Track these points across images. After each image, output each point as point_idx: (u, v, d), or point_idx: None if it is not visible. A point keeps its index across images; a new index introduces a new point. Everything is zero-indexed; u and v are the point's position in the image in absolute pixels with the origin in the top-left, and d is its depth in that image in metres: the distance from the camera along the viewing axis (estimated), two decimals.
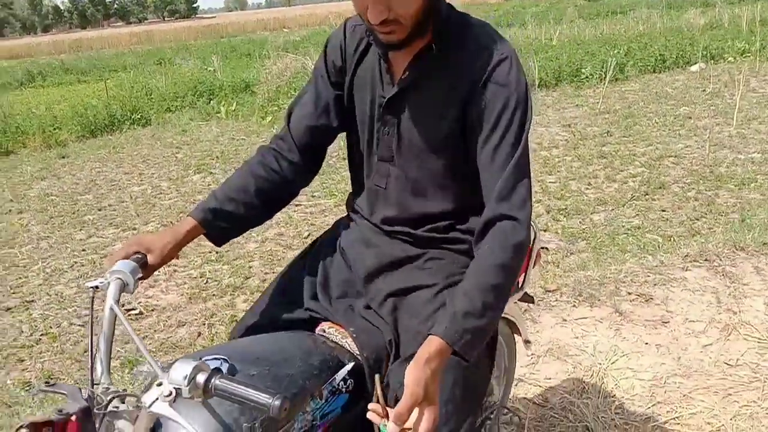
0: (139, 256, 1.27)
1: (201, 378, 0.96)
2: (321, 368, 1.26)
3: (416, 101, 1.31)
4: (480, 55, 1.24)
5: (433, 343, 1.11)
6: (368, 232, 1.47)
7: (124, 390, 1.08)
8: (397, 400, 1.20)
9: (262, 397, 0.92)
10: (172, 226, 1.36)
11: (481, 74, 1.23)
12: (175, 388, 0.96)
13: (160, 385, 0.97)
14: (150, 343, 3.06)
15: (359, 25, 1.38)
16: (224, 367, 1.16)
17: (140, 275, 1.25)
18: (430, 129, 1.30)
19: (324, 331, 1.43)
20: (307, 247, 1.62)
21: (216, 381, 0.96)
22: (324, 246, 1.54)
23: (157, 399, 0.97)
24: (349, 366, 1.29)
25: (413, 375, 1.07)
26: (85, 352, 3.02)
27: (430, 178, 1.35)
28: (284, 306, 1.48)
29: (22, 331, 3.26)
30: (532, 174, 1.27)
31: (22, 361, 2.98)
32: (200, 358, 1.04)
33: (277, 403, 0.92)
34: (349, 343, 1.37)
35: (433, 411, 1.07)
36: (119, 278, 1.21)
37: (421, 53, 1.28)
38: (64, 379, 2.78)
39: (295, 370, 1.22)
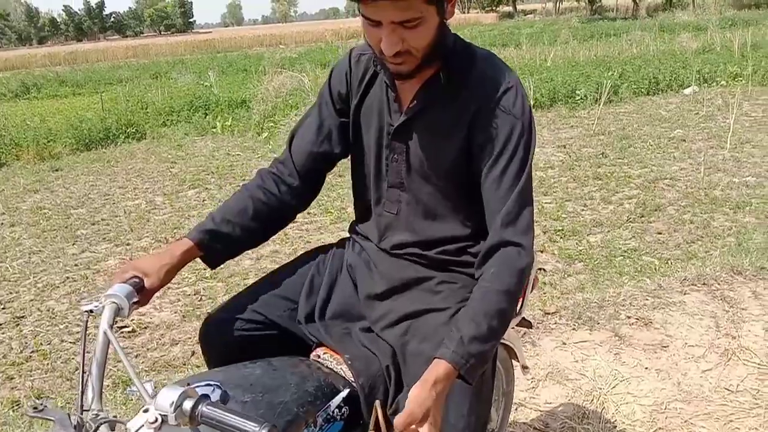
0: (137, 280, 1.26)
1: (188, 405, 0.94)
2: (316, 395, 1.24)
3: (424, 128, 1.32)
4: (486, 83, 1.27)
5: (440, 367, 1.13)
6: (376, 257, 1.46)
7: (115, 417, 1.06)
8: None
9: (249, 426, 0.91)
10: (168, 247, 1.34)
11: (488, 102, 1.26)
12: (161, 414, 0.94)
13: (146, 411, 0.95)
14: (143, 362, 3.01)
15: (364, 55, 1.40)
16: (216, 393, 1.14)
17: (136, 299, 1.23)
18: (438, 155, 1.32)
19: (319, 357, 1.42)
20: (305, 253, 1.58)
21: (203, 408, 0.94)
22: (330, 259, 1.52)
23: (143, 426, 0.94)
24: (345, 393, 1.27)
25: (417, 395, 1.08)
26: (77, 370, 2.96)
27: (441, 202, 1.36)
28: (277, 308, 1.45)
29: (12, 348, 3.20)
30: (534, 200, 1.29)
31: (12, 378, 2.92)
32: (190, 384, 1.03)
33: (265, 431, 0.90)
34: (344, 370, 1.35)
35: None
36: (114, 302, 1.20)
37: (428, 82, 1.30)
38: (53, 398, 2.72)
39: (289, 397, 1.20)
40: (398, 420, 1.06)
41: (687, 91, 9.54)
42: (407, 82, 1.30)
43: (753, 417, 2.28)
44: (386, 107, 1.35)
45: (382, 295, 1.41)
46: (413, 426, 1.06)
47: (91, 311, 1.19)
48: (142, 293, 1.26)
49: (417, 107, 1.31)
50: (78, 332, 3.32)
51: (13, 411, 2.62)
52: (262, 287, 1.48)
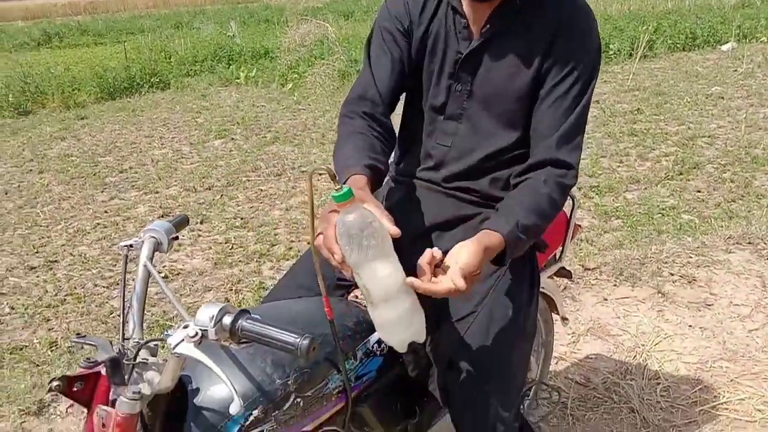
0: (181, 217, 1.26)
1: (227, 320, 0.92)
2: (355, 330, 1.25)
3: (495, 54, 1.28)
4: (558, 6, 1.24)
5: (493, 237, 1.13)
6: (419, 192, 1.43)
7: (161, 334, 1.04)
8: (450, 362, 1.17)
9: (290, 337, 0.89)
10: (350, 184, 1.12)
11: (564, 27, 1.23)
12: (201, 329, 0.91)
13: (186, 327, 0.93)
14: (175, 309, 3.01)
15: None
16: None
17: (174, 234, 1.22)
18: (507, 83, 1.28)
19: (357, 297, 1.41)
20: None
21: (243, 322, 0.92)
22: None
23: (183, 340, 0.92)
24: None
25: (474, 252, 1.07)
26: (111, 314, 2.97)
27: (499, 131, 1.32)
28: (314, 274, 1.43)
29: (47, 291, 3.22)
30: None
31: (48, 320, 2.95)
32: None
33: (305, 342, 0.88)
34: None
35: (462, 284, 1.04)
36: (153, 237, 1.20)
37: (502, 5, 1.25)
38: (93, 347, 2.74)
39: (329, 331, 1.17)
40: (453, 271, 1.04)
41: (725, 47, 9.17)
42: (479, 7, 1.24)
43: None
44: (454, 35, 1.30)
45: (422, 235, 1.37)
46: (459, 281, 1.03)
47: (131, 246, 1.19)
48: (181, 227, 1.25)
49: (490, 31, 1.26)
50: (111, 277, 3.33)
51: (52, 351, 2.65)
52: (303, 260, 1.49)
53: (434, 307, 1.29)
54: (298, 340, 0.88)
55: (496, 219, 1.17)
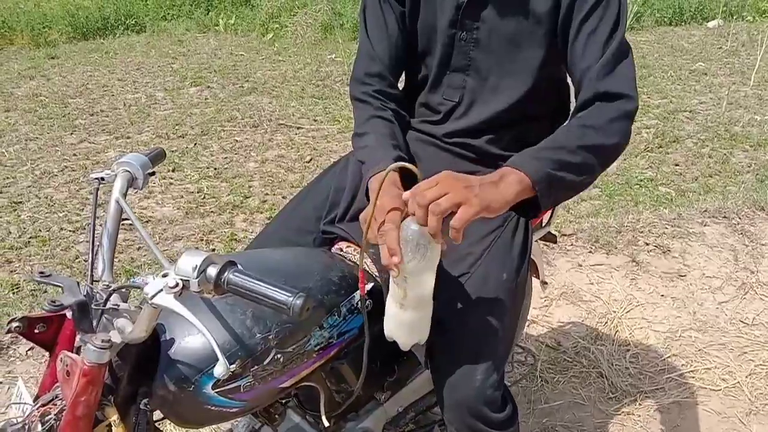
0: (157, 150, 1.19)
1: (212, 271, 0.84)
2: (340, 284, 1.18)
3: None
4: None
5: (507, 171, 1.03)
6: (415, 145, 1.37)
7: (127, 281, 0.98)
8: (438, 322, 1.15)
9: (282, 295, 0.81)
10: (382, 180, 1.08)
11: None
12: (182, 279, 0.83)
13: (165, 276, 0.85)
14: (145, 254, 2.93)
15: None
16: None
17: (151, 170, 1.14)
18: (517, 23, 1.18)
19: (341, 250, 1.35)
20: (333, 163, 1.51)
21: (230, 275, 0.84)
22: (352, 162, 1.42)
23: (161, 291, 0.84)
24: (368, 286, 1.20)
25: (449, 175, 0.97)
26: (77, 258, 2.89)
27: (510, 82, 1.24)
28: (298, 227, 1.40)
29: (10, 232, 3.11)
30: (632, 54, 1.16)
31: (11, 262, 2.85)
32: None
33: (299, 302, 0.80)
34: (369, 264, 1.27)
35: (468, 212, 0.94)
36: (127, 170, 1.11)
37: None
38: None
39: (313, 284, 1.14)
40: (411, 191, 0.97)
41: (711, 24, 9.15)
42: None
43: None
44: None
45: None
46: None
47: (102, 179, 1.11)
48: (156, 164, 1.17)
49: None
50: (78, 221, 3.22)
51: (14, 293, 2.56)
52: (289, 211, 1.43)
53: None
54: (291, 298, 0.81)
55: (520, 156, 1.06)
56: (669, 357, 2.21)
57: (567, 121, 1.18)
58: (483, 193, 0.96)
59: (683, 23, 9.31)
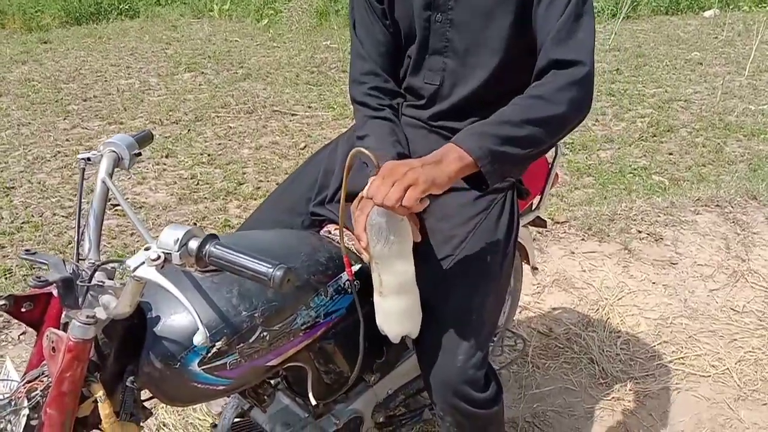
0: (144, 132, 1.20)
1: (194, 243, 0.84)
2: (327, 265, 1.20)
3: None
4: None
5: (448, 149, 1.06)
6: (407, 131, 1.36)
7: (111, 258, 0.97)
8: (423, 303, 1.16)
9: (262, 266, 0.82)
10: None
11: None
12: (164, 252, 0.84)
13: (148, 249, 0.86)
14: (137, 241, 2.93)
15: None
16: None
17: (137, 150, 1.15)
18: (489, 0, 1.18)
19: (330, 232, 1.37)
20: (322, 146, 1.51)
21: (211, 247, 0.84)
22: (341, 144, 1.42)
23: (143, 263, 0.85)
24: (356, 267, 1.21)
25: (397, 163, 1.03)
26: (69, 243, 2.87)
27: (485, 59, 1.24)
28: (289, 209, 1.41)
29: (2, 218, 3.09)
30: (593, 18, 1.15)
31: (3, 247, 2.83)
32: None
33: (279, 273, 0.81)
34: (356, 246, 1.28)
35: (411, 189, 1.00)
36: (113, 151, 1.12)
37: None
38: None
39: (300, 264, 1.16)
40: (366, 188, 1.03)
41: (707, 13, 9.13)
42: None
43: (757, 337, 2.27)
44: None
45: None
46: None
47: (89, 159, 1.11)
48: (144, 145, 1.18)
49: None
50: (70, 206, 3.21)
51: (6, 279, 2.55)
52: (279, 192, 1.46)
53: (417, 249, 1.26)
54: (271, 270, 0.81)
55: (465, 132, 1.09)
56: (659, 344, 2.22)
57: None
58: (426, 173, 1.00)
59: (679, 12, 9.29)
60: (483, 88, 1.25)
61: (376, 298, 1.15)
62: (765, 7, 9.49)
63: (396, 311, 1.14)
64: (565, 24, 1.10)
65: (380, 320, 1.17)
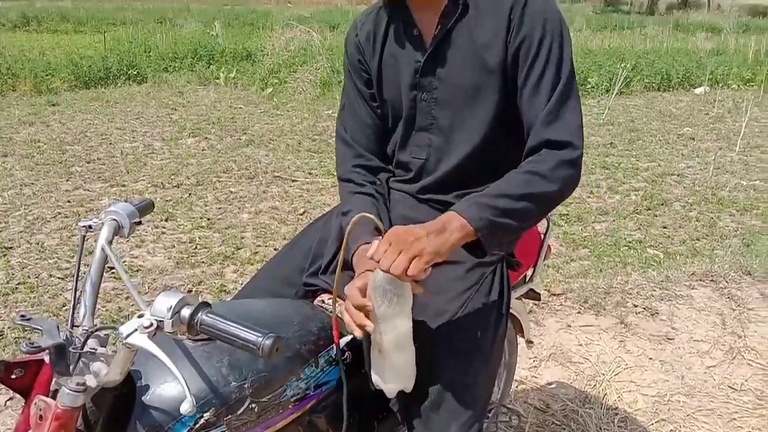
0: (146, 201, 1.22)
1: (186, 312, 0.85)
2: (319, 335, 1.20)
3: (454, 52, 1.25)
4: None
5: (450, 217, 1.10)
6: (392, 197, 1.42)
7: (104, 324, 0.98)
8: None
9: (252, 335, 0.83)
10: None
11: (516, 7, 1.19)
12: (156, 320, 0.85)
13: (141, 316, 0.87)
14: (132, 305, 2.91)
15: (366, 17, 1.39)
16: None
17: (137, 219, 1.17)
18: (471, 77, 1.24)
19: (323, 302, 1.37)
20: (318, 217, 1.55)
21: (203, 316, 0.85)
22: (335, 215, 1.46)
23: (136, 330, 0.85)
24: (348, 338, 1.22)
25: (401, 230, 1.07)
26: (64, 306, 2.86)
27: (468, 134, 1.29)
28: (283, 279, 1.43)
29: None
30: (579, 100, 1.21)
31: None
32: None
33: (268, 342, 0.82)
34: (347, 319, 1.28)
35: (416, 259, 1.04)
36: (114, 219, 1.14)
37: (448, 6, 1.25)
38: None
39: (291, 334, 1.16)
40: (372, 250, 1.06)
41: (698, 90, 9.44)
42: (426, 11, 1.25)
43: (756, 417, 2.24)
44: (410, 47, 1.29)
45: None
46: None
47: (90, 227, 1.13)
48: (146, 212, 1.21)
49: (443, 31, 1.25)
50: (67, 268, 3.21)
51: None
52: (274, 262, 1.49)
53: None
54: (261, 339, 0.82)
55: (465, 202, 1.14)
56: (658, 422, 2.19)
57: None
58: (431, 243, 1.05)
59: (671, 89, 9.61)
60: (466, 162, 1.30)
61: (374, 355, 1.15)
62: (752, 86, 9.81)
63: (394, 366, 1.15)
64: (555, 106, 1.16)
65: (376, 377, 1.17)
